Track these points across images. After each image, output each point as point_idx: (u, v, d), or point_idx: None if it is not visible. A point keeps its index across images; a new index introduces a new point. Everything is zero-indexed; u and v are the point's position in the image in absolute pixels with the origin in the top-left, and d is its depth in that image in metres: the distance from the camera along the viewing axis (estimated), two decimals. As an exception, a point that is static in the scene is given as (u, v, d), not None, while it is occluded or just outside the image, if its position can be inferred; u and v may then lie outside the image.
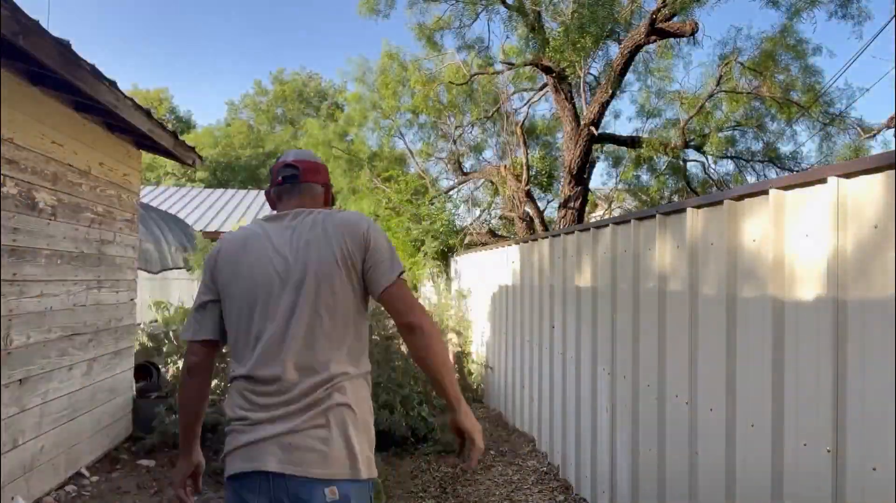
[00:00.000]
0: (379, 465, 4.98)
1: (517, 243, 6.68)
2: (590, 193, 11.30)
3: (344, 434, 1.72)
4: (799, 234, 2.41)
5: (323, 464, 1.68)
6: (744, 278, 2.72)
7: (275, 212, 1.98)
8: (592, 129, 8.80)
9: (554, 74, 9.17)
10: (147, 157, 6.46)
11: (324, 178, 2.07)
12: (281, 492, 1.67)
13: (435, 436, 5.62)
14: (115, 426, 5.42)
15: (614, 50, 9.00)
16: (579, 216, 9.18)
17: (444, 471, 5.14)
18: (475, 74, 11.37)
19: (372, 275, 1.81)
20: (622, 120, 59.61)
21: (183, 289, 12.07)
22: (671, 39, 9.16)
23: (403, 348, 6.44)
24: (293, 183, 1.98)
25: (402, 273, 1.85)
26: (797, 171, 9.97)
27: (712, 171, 11.81)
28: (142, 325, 8.76)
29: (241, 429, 1.77)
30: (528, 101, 11.96)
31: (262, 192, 23.56)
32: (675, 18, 8.11)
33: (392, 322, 5.56)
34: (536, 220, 10.49)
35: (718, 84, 10.19)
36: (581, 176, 9.17)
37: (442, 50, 11.21)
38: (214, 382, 6.29)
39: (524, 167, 10.45)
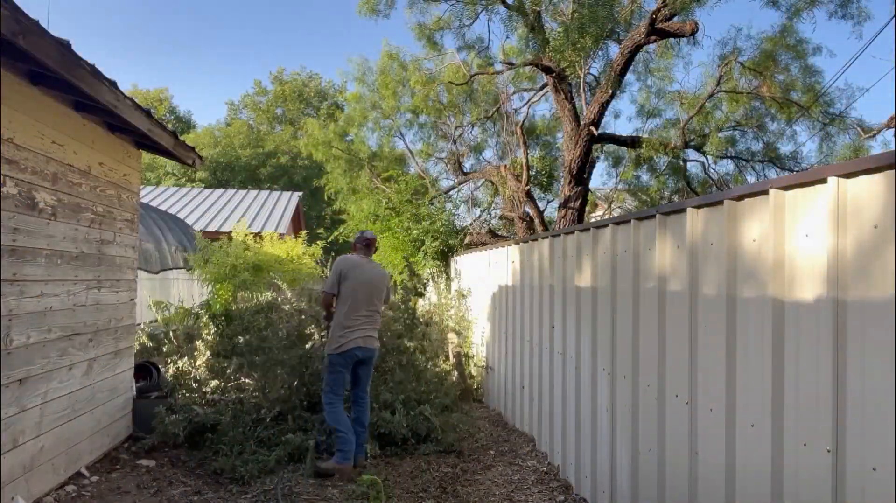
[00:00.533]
0: (379, 465, 4.98)
1: (517, 243, 6.68)
2: (590, 193, 11.31)
3: (377, 337, 5.29)
4: (799, 234, 2.41)
5: (375, 344, 5.21)
6: (744, 278, 2.72)
7: (359, 255, 5.29)
8: (592, 129, 8.80)
9: (554, 74, 9.17)
10: (147, 157, 6.48)
11: (376, 243, 5.58)
12: (367, 353, 5.11)
13: (437, 436, 5.61)
14: (115, 426, 5.42)
15: (614, 50, 9.00)
16: (579, 216, 9.18)
17: (444, 471, 5.14)
18: (475, 74, 11.37)
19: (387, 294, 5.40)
20: (622, 120, 59.68)
21: (183, 289, 12.08)
22: (671, 39, 9.17)
23: (410, 344, 6.54)
24: (369, 247, 5.38)
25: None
26: (797, 171, 9.97)
27: (712, 171, 11.82)
28: (142, 325, 8.77)
29: (349, 331, 4.99)
30: (528, 101, 11.98)
31: (262, 191, 23.69)
32: (675, 18, 8.11)
33: (400, 325, 6.74)
34: (536, 220, 10.49)
35: (718, 84, 10.19)
36: (581, 176, 9.18)
37: (442, 50, 11.22)
38: (215, 383, 6.28)
39: (524, 167, 10.46)
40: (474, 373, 8.44)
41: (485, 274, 8.12)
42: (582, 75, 9.43)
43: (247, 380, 6.16)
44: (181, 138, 5.94)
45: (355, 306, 5.00)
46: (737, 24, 10.33)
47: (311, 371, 5.83)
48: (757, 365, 2.59)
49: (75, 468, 4.69)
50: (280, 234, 13.73)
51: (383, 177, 13.23)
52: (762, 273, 2.58)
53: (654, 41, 8.70)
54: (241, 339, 6.40)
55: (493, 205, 13.17)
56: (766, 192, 2.58)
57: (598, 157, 12.25)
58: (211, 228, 17.02)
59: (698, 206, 3.10)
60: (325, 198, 16.05)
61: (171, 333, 8.33)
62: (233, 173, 34.72)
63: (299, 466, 4.95)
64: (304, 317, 6.53)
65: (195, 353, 6.85)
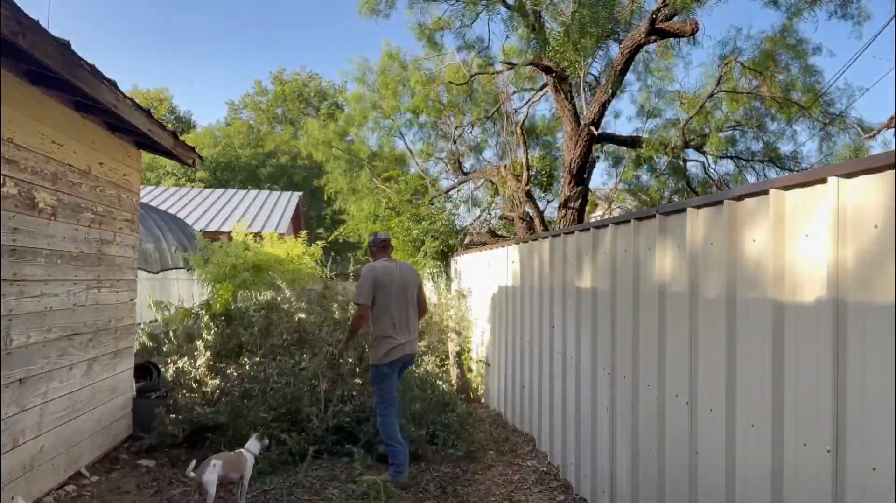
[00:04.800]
0: (379, 466, 4.96)
1: (517, 243, 6.68)
2: (590, 193, 11.31)
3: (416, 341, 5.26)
4: (799, 234, 2.41)
5: (416, 347, 5.24)
6: (744, 278, 2.72)
7: (384, 259, 5.19)
8: (592, 128, 8.80)
9: (554, 74, 9.17)
10: (147, 157, 6.47)
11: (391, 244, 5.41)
12: (411, 358, 5.15)
13: (452, 441, 5.51)
14: (115, 426, 5.42)
15: (614, 50, 9.00)
16: (579, 216, 9.18)
17: (444, 471, 5.14)
18: (475, 74, 11.36)
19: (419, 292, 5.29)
20: (622, 120, 59.69)
21: (183, 289, 12.08)
22: (671, 39, 9.17)
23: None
24: (388, 247, 5.29)
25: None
26: (797, 171, 9.97)
27: (712, 171, 11.81)
28: (142, 325, 8.77)
29: (394, 340, 4.90)
30: (528, 101, 11.97)
31: (262, 191, 23.68)
32: (675, 18, 8.11)
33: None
34: (536, 220, 10.49)
35: (718, 84, 10.19)
36: (581, 176, 9.17)
37: (442, 50, 11.21)
38: (215, 382, 6.27)
39: (524, 167, 10.45)
40: (474, 372, 8.44)
41: (485, 274, 8.12)
42: (582, 75, 9.43)
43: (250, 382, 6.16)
44: (181, 138, 5.94)
45: (397, 313, 4.93)
46: (737, 24, 10.34)
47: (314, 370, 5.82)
48: (757, 364, 2.59)
49: (75, 468, 4.69)
50: (280, 234, 13.72)
51: (383, 177, 13.23)
52: (762, 273, 2.58)
53: (654, 41, 8.70)
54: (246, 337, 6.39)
55: (493, 205, 13.17)
56: (766, 192, 2.58)
57: (598, 157, 12.24)
58: (211, 228, 17.02)
59: (698, 206, 3.10)
60: (325, 198, 16.04)
61: (171, 333, 8.32)
62: (233, 173, 34.70)
63: (300, 467, 4.95)
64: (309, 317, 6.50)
65: (195, 353, 6.85)
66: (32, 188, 4.03)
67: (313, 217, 30.16)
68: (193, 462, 4.13)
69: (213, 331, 7.16)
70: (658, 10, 7.86)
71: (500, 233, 12.22)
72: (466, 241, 10.93)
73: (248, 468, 4.28)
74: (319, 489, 4.59)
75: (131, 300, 5.81)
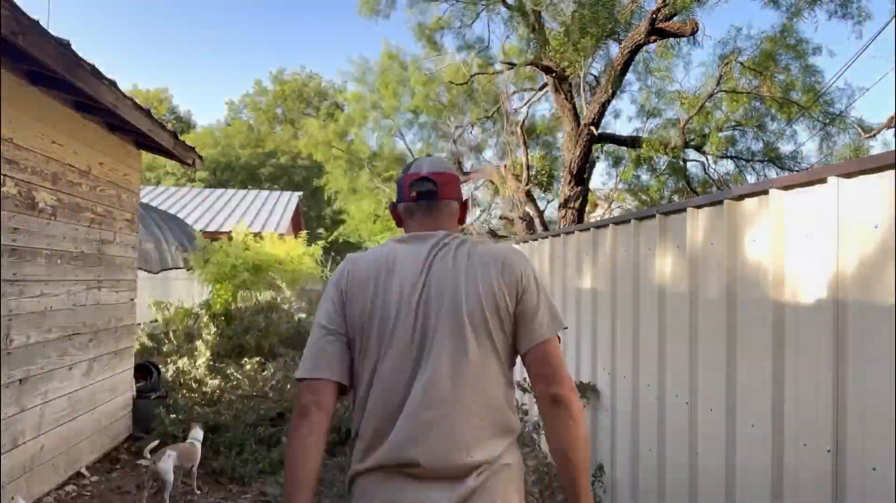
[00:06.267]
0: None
1: (517, 243, 6.68)
2: (590, 193, 11.31)
3: None
4: (799, 234, 2.41)
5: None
6: (744, 278, 2.71)
7: (409, 233, 1.72)
8: (592, 128, 8.80)
9: (554, 74, 9.17)
10: (147, 157, 6.47)
11: (460, 191, 1.80)
12: None
13: None
14: (115, 426, 5.42)
15: (615, 50, 9.01)
16: (579, 216, 9.18)
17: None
18: (475, 74, 11.37)
19: (521, 328, 1.60)
20: (622, 120, 59.66)
21: (183, 289, 12.08)
22: (671, 39, 9.16)
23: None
24: (431, 199, 1.71)
25: (560, 329, 1.64)
26: (797, 171, 9.97)
27: (712, 170, 11.81)
28: (142, 325, 8.77)
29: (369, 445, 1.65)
30: (528, 101, 11.98)
31: (262, 191, 23.61)
32: (675, 18, 8.11)
33: None
34: (536, 220, 10.49)
35: (718, 84, 10.18)
36: (581, 176, 9.17)
37: (442, 50, 11.22)
38: (215, 382, 6.28)
39: (524, 167, 10.46)
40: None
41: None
42: (582, 75, 9.43)
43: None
44: (181, 138, 5.94)
45: (397, 374, 1.87)
46: (737, 24, 10.30)
47: None
48: (757, 364, 2.59)
49: (75, 468, 4.69)
50: (280, 234, 13.72)
51: (383, 177, 13.24)
52: (762, 273, 2.58)
53: (655, 41, 8.70)
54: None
55: (493, 205, 13.18)
56: (766, 192, 2.58)
57: (598, 157, 12.25)
58: (211, 228, 17.02)
59: (698, 206, 3.10)
60: (325, 198, 16.06)
61: (171, 333, 8.33)
62: (233, 173, 34.71)
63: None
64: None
65: (195, 353, 6.86)
66: (32, 188, 4.03)
67: (313, 217, 30.17)
68: (147, 450, 4.40)
69: (213, 332, 7.16)
70: (658, 10, 7.86)
71: (500, 233, 12.22)
72: (466, 241, 10.91)
73: (197, 457, 4.58)
74: (319, 490, 4.59)
75: (131, 300, 5.81)
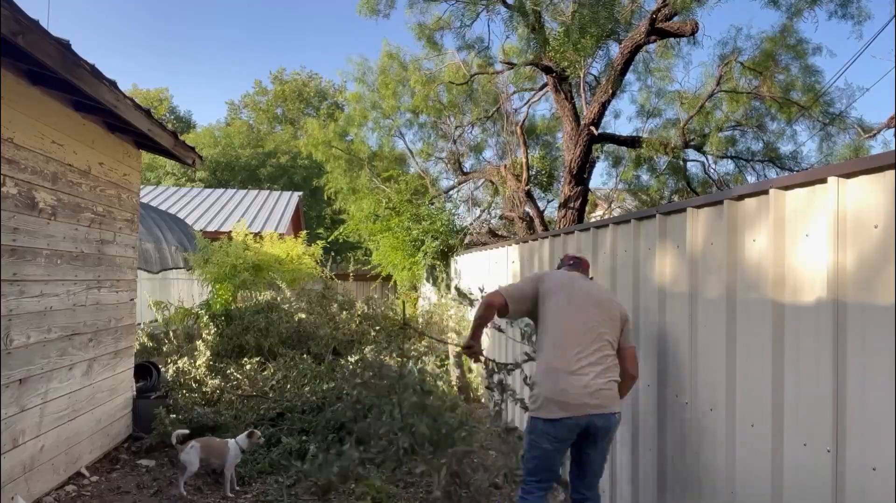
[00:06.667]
0: (379, 468, 4.90)
1: (517, 243, 6.68)
2: (590, 193, 11.31)
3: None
4: (799, 234, 2.41)
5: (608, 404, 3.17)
6: (744, 278, 2.71)
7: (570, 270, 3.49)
8: (592, 128, 8.80)
9: (554, 74, 9.17)
10: (147, 157, 6.47)
11: (588, 265, 3.61)
12: (596, 425, 3.15)
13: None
14: (115, 426, 5.42)
15: (615, 50, 9.01)
16: (579, 216, 9.18)
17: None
18: (475, 74, 11.37)
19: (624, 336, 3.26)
20: (622, 120, 59.66)
21: (183, 289, 12.08)
22: (671, 39, 9.17)
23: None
24: (577, 268, 3.50)
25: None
26: (797, 171, 9.96)
27: (712, 170, 11.82)
28: (142, 325, 8.77)
29: (555, 375, 3.10)
30: (528, 101, 11.99)
31: (262, 191, 23.67)
32: (675, 18, 8.11)
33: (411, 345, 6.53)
34: (536, 220, 10.49)
35: (718, 84, 10.19)
36: (581, 176, 9.18)
37: (442, 50, 11.22)
38: (215, 382, 6.27)
39: (524, 167, 10.46)
40: (474, 372, 8.44)
41: (485, 274, 8.12)
42: (582, 75, 9.44)
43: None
44: (181, 138, 5.94)
45: (573, 334, 3.10)
46: (737, 24, 10.32)
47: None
48: (757, 364, 2.59)
49: (75, 468, 4.69)
50: (280, 234, 13.73)
51: (383, 177, 13.23)
52: (762, 272, 2.58)
53: (654, 41, 8.71)
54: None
55: (493, 205, 13.18)
56: (766, 192, 2.58)
57: (598, 157, 12.25)
58: (211, 228, 17.02)
59: (698, 206, 3.10)
60: (325, 198, 16.06)
61: (171, 333, 8.32)
62: (233, 173, 34.70)
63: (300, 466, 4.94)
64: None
65: (195, 353, 6.85)
66: (32, 188, 4.03)
67: (313, 217, 30.16)
68: (179, 433, 4.56)
69: (213, 332, 7.16)
70: (658, 10, 7.86)
71: (500, 233, 12.23)
72: (466, 240, 10.93)
73: (229, 457, 4.55)
74: (319, 489, 4.59)
75: (131, 300, 5.81)
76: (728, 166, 11.87)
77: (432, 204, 12.12)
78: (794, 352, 2.40)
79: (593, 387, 2.98)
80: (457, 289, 6.88)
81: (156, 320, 9.55)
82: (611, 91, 8.68)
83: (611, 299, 3.31)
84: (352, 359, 6.76)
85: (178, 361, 6.82)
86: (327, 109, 35.30)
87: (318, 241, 12.92)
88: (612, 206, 14.51)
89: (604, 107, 8.88)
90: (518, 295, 3.30)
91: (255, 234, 12.22)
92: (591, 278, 3.57)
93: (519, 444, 4.24)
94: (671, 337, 3.31)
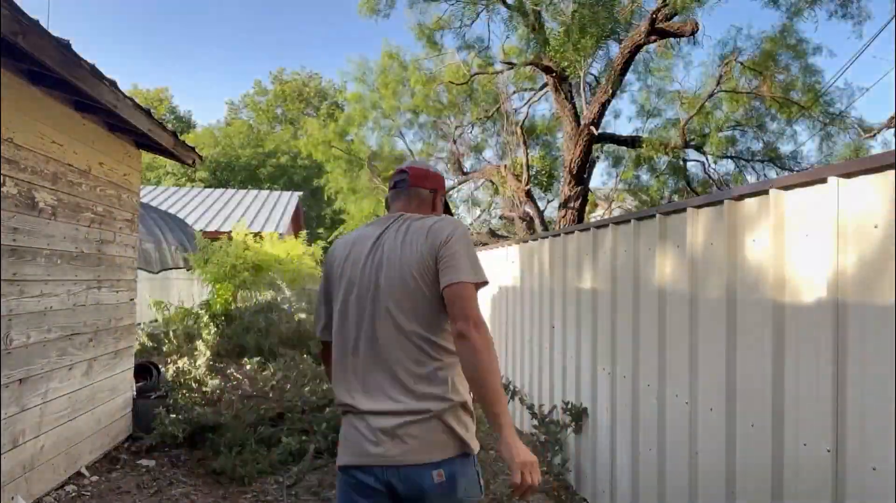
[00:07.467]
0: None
1: (517, 243, 6.68)
2: (590, 193, 11.31)
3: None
4: (799, 234, 2.41)
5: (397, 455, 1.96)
6: (744, 278, 2.71)
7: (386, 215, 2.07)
8: (592, 128, 8.80)
9: (554, 74, 9.17)
10: (147, 156, 6.47)
11: (433, 183, 2.10)
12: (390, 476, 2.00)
13: None
14: (115, 426, 5.42)
15: (615, 50, 9.01)
16: (579, 216, 9.18)
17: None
18: (475, 74, 11.37)
19: (441, 274, 1.81)
20: (622, 120, 59.62)
21: (183, 289, 12.08)
22: (671, 39, 9.17)
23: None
24: (401, 188, 2.07)
25: (477, 283, 1.81)
26: (797, 171, 9.97)
27: (712, 170, 11.83)
28: (142, 325, 8.77)
29: (346, 410, 2.06)
30: (528, 101, 11.99)
31: (262, 191, 23.64)
32: (675, 18, 8.11)
33: None
34: (536, 220, 10.49)
35: (718, 84, 10.19)
36: (581, 176, 9.18)
37: (442, 50, 11.22)
38: (215, 382, 6.28)
39: (524, 167, 10.46)
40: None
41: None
42: (582, 75, 9.43)
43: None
44: (181, 138, 5.94)
45: (353, 334, 1.95)
46: (737, 24, 10.32)
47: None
48: (757, 364, 2.59)
49: (75, 468, 4.69)
50: (280, 234, 13.72)
51: (383, 177, 13.24)
52: (762, 273, 2.58)
53: (655, 41, 8.70)
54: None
55: (493, 205, 13.19)
56: (766, 192, 2.57)
57: (598, 157, 12.26)
58: (211, 228, 17.02)
59: (699, 206, 3.10)
60: (325, 198, 16.07)
61: (171, 333, 8.32)
62: (233, 173, 34.71)
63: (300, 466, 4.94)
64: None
65: (195, 353, 6.85)
66: (32, 188, 4.03)
67: (313, 217, 30.17)
68: None
69: (213, 332, 7.16)
70: (658, 10, 7.86)
71: (500, 232, 12.23)
72: (466, 240, 10.90)
73: None
74: (319, 489, 4.59)
75: (131, 300, 5.81)
76: (728, 166, 11.89)
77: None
78: (794, 352, 2.40)
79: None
80: None
81: (156, 320, 9.55)
82: (611, 91, 8.68)
83: (424, 234, 1.89)
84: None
85: (178, 361, 6.83)
86: (327, 109, 35.30)
87: (318, 241, 12.92)
88: (612, 205, 14.52)
89: (604, 107, 8.88)
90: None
91: (255, 234, 12.22)
92: (435, 191, 2.10)
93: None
94: (671, 336, 3.31)
